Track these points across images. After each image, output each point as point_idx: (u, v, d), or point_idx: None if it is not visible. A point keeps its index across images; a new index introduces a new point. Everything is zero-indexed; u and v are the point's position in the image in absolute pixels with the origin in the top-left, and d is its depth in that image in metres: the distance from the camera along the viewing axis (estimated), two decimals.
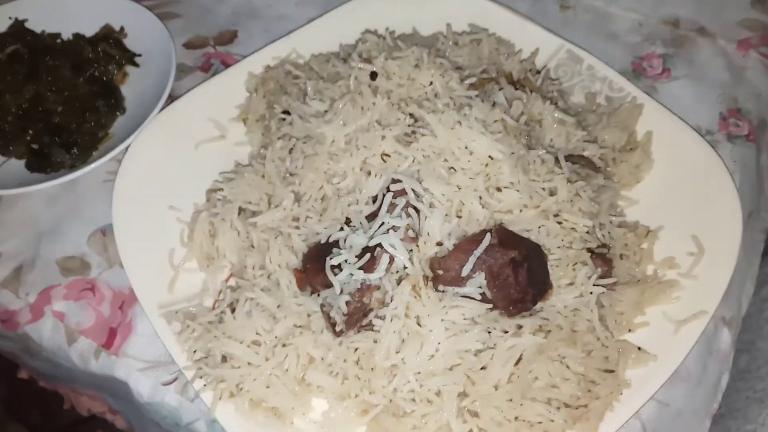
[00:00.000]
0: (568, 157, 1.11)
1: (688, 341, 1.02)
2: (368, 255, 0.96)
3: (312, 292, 1.02)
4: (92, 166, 1.21)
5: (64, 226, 1.21)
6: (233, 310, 1.01)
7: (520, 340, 0.94)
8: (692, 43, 1.47)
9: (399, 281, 0.96)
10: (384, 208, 0.99)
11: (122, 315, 1.12)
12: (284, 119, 1.16)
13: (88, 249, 1.19)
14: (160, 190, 1.17)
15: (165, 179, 1.18)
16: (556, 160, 1.08)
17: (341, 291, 0.96)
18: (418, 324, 0.94)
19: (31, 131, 1.28)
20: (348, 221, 1.03)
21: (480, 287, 0.96)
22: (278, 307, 1.00)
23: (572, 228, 1.04)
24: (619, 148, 1.22)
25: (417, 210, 0.99)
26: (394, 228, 0.97)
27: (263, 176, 1.13)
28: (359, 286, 0.95)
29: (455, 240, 0.99)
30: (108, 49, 1.37)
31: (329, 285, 0.97)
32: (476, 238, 0.97)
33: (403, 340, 0.94)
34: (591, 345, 0.98)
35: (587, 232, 1.05)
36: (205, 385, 0.98)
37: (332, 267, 0.97)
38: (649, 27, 1.50)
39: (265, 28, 1.48)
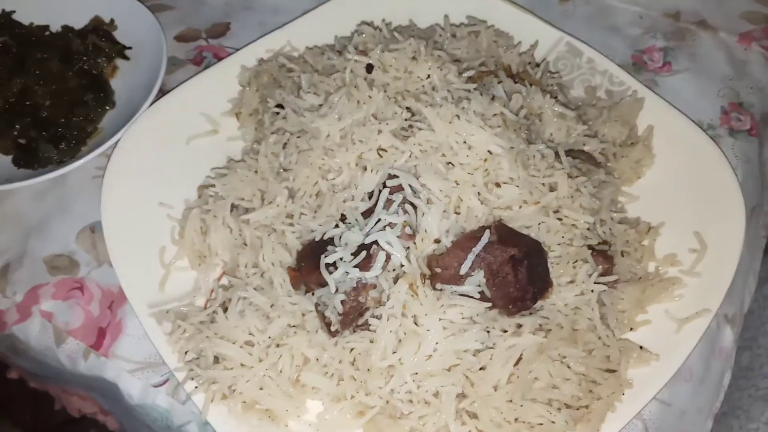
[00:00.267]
0: (569, 152, 1.09)
1: (690, 340, 1.00)
2: (364, 253, 0.93)
3: (306, 291, 1.00)
4: (81, 161, 1.18)
5: (52, 223, 1.19)
6: (225, 310, 0.99)
7: (519, 340, 0.92)
8: (693, 36, 1.45)
9: (396, 280, 0.94)
10: (380, 204, 0.97)
11: (112, 315, 1.10)
12: (278, 113, 1.13)
13: (76, 247, 1.16)
14: (150, 187, 1.14)
15: (155, 175, 1.16)
16: (557, 155, 1.05)
17: (336, 290, 0.93)
18: (416, 323, 0.92)
19: (18, 126, 1.25)
20: (343, 218, 1.01)
21: (479, 285, 0.94)
22: (272, 306, 0.98)
23: (573, 224, 1.03)
24: (620, 143, 1.20)
25: (414, 206, 0.97)
26: (391, 225, 0.94)
27: (256, 172, 1.11)
28: (355, 285, 0.93)
29: (453, 237, 0.97)
30: (97, 42, 1.34)
31: (324, 284, 0.95)
32: (475, 235, 0.95)
33: (400, 340, 0.92)
34: (592, 344, 0.96)
35: (588, 229, 1.03)
36: (196, 387, 0.96)
37: (327, 265, 0.95)
38: (649, 19, 1.48)
39: (258, 21, 1.45)
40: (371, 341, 0.93)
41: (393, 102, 1.07)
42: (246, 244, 1.07)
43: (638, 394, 0.96)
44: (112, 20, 1.39)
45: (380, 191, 0.98)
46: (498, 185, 1.00)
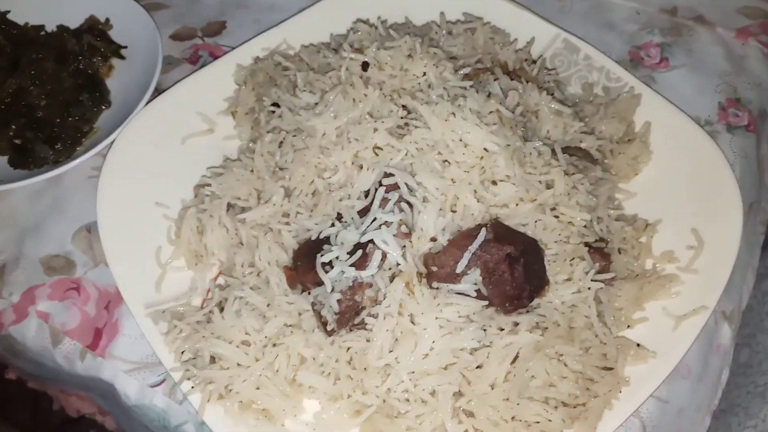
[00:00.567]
0: (565, 149, 1.09)
1: (688, 337, 1.00)
2: (360, 252, 0.93)
3: (303, 290, 0.99)
4: (77, 161, 1.18)
5: (48, 223, 1.18)
6: (222, 310, 0.99)
7: (516, 338, 0.92)
8: (690, 31, 1.45)
9: (392, 278, 0.94)
10: (376, 203, 0.97)
11: (108, 315, 1.10)
12: (273, 112, 1.13)
13: (72, 247, 1.16)
14: (146, 186, 1.14)
15: (151, 175, 1.15)
16: (553, 152, 1.05)
17: (332, 289, 0.93)
18: (412, 322, 0.92)
19: (13, 126, 1.25)
20: (339, 217, 1.01)
21: (475, 284, 0.94)
22: (268, 305, 0.98)
23: (569, 222, 1.02)
24: (617, 140, 1.19)
25: (410, 205, 0.96)
26: (387, 223, 0.94)
27: (252, 171, 1.11)
28: (351, 284, 0.93)
29: (450, 235, 0.96)
30: (93, 42, 1.34)
31: (320, 283, 0.95)
32: (471, 233, 0.95)
33: (397, 339, 0.92)
34: (589, 342, 0.96)
35: (585, 226, 1.03)
36: (193, 387, 0.95)
37: (323, 264, 0.95)
38: (646, 15, 1.47)
39: (254, 19, 1.44)
40: (368, 340, 0.93)
41: (389, 100, 1.07)
42: (242, 244, 1.06)
43: (635, 391, 0.96)
44: (107, 20, 1.38)
45: (376, 190, 0.98)
46: (494, 183, 1.00)
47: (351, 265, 0.93)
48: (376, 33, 1.21)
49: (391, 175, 0.98)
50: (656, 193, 1.15)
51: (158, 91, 1.25)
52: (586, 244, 1.02)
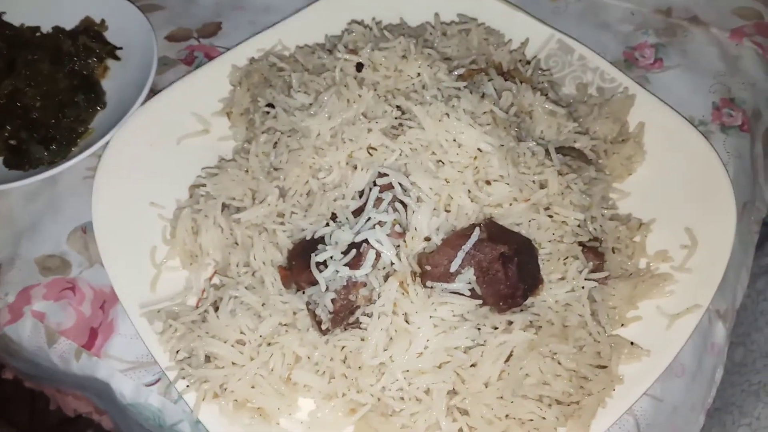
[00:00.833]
0: (559, 149, 1.09)
1: (681, 335, 1.00)
2: (354, 251, 0.93)
3: (297, 290, 1.00)
4: (72, 162, 1.18)
5: (43, 224, 1.19)
6: (217, 309, 0.99)
7: (510, 337, 0.92)
8: (685, 32, 1.45)
9: (386, 278, 0.94)
10: (370, 202, 0.97)
11: (103, 315, 1.10)
12: (268, 112, 1.13)
13: (68, 247, 1.16)
14: (141, 187, 1.14)
15: (146, 175, 1.16)
16: (547, 152, 1.05)
17: (327, 288, 0.93)
18: (406, 321, 0.92)
19: (8, 127, 1.25)
20: (334, 217, 1.01)
21: (469, 283, 0.94)
22: (263, 305, 0.98)
23: (563, 221, 1.03)
24: (611, 140, 1.20)
25: (404, 204, 0.97)
26: (381, 223, 0.94)
27: (247, 171, 1.11)
28: (345, 283, 0.93)
29: (443, 235, 0.97)
30: (88, 43, 1.34)
31: (315, 282, 0.95)
32: (465, 233, 0.95)
33: (391, 338, 0.92)
34: (583, 340, 0.96)
35: (578, 226, 1.03)
36: (188, 386, 0.95)
37: (317, 264, 0.95)
38: (641, 16, 1.48)
39: (250, 20, 1.45)
40: (362, 339, 0.93)
41: (383, 101, 1.07)
42: (237, 244, 1.06)
43: (629, 389, 0.96)
44: (102, 21, 1.39)
45: (370, 190, 0.98)
46: (488, 183, 1.00)
47: (345, 265, 0.93)
48: (371, 34, 1.21)
49: (386, 175, 0.98)
50: (650, 193, 1.16)
51: (153, 92, 1.25)
52: (580, 244, 1.02)
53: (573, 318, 0.97)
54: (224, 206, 1.08)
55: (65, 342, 1.09)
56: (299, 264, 0.99)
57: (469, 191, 0.99)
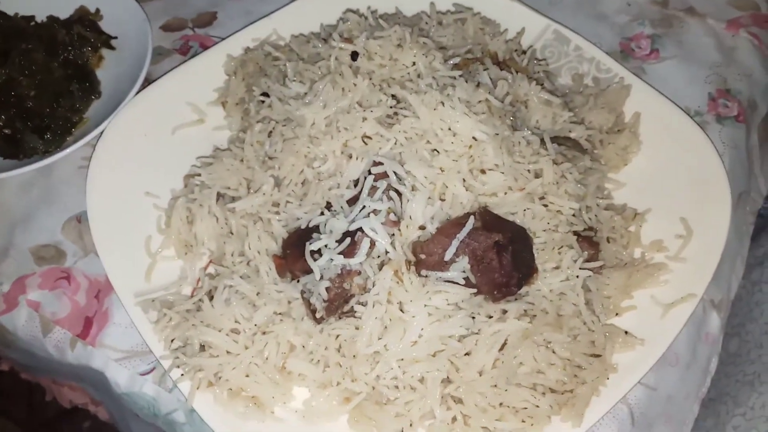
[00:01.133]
0: (554, 139, 1.09)
1: (676, 325, 1.00)
2: (349, 240, 0.93)
3: (292, 279, 1.00)
4: (66, 151, 1.18)
5: (38, 213, 1.18)
6: (211, 298, 0.99)
7: (504, 325, 0.92)
8: (681, 23, 1.45)
9: (381, 266, 0.94)
10: (365, 191, 0.97)
11: (98, 304, 1.10)
12: (263, 102, 1.13)
13: (63, 237, 1.16)
14: (136, 176, 1.14)
15: (141, 165, 1.15)
16: (542, 141, 1.05)
17: (321, 277, 0.93)
18: (401, 310, 0.92)
19: (3, 116, 1.24)
20: (329, 206, 1.01)
21: (463, 272, 0.94)
22: (258, 294, 0.98)
23: (558, 211, 1.03)
24: (607, 130, 1.20)
25: (399, 193, 0.97)
26: (375, 212, 0.94)
27: (242, 161, 1.11)
28: (340, 272, 0.93)
29: (438, 224, 0.97)
30: (83, 32, 1.33)
31: (309, 271, 0.95)
32: (459, 222, 0.95)
33: (386, 327, 0.92)
34: (577, 329, 0.96)
35: (573, 215, 1.03)
36: (182, 375, 0.95)
37: (312, 252, 0.95)
38: (637, 7, 1.47)
39: (245, 9, 1.44)
40: (357, 328, 0.93)
41: (378, 89, 1.07)
42: (232, 233, 1.06)
43: (623, 378, 0.96)
44: (97, 10, 1.38)
45: (365, 178, 0.98)
46: (483, 172, 1.00)
47: (340, 253, 0.93)
48: (366, 23, 1.21)
49: (380, 164, 0.98)
50: (646, 183, 1.16)
51: (148, 82, 1.24)
52: (575, 233, 1.02)
53: (567, 307, 0.97)
54: (219, 196, 1.08)
55: (60, 331, 1.09)
56: (294, 253, 0.98)
57: (464, 180, 0.99)
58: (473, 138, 1.00)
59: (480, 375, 0.92)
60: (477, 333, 0.93)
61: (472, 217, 0.95)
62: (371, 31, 1.15)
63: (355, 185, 1.00)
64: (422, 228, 0.96)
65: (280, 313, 0.97)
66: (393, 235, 0.95)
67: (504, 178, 1.00)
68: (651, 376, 1.01)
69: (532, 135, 1.05)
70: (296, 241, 1.00)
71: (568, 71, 1.29)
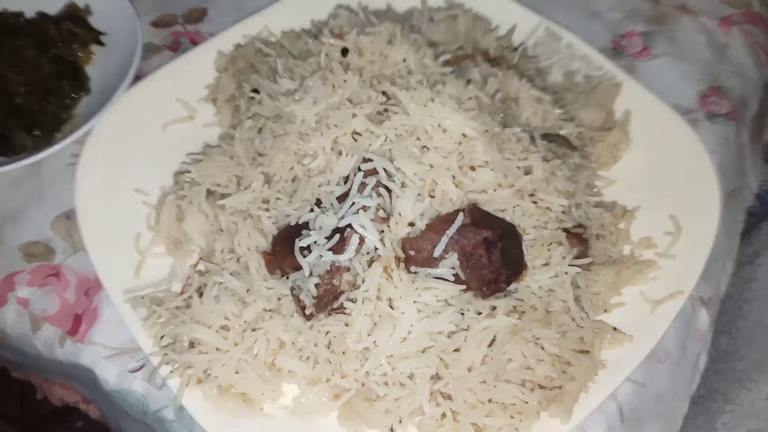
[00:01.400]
0: (545, 136, 1.09)
1: (664, 321, 1.01)
2: (338, 236, 0.93)
3: (282, 276, 0.99)
4: (56, 148, 1.17)
5: (27, 210, 1.18)
6: (201, 295, 0.98)
7: (493, 322, 0.92)
8: (674, 20, 1.45)
9: (370, 263, 0.94)
10: (354, 187, 0.97)
11: (88, 301, 1.09)
12: (253, 98, 1.13)
13: (52, 234, 1.16)
14: (125, 173, 1.13)
15: (130, 161, 1.15)
16: (532, 138, 1.05)
17: (311, 273, 0.93)
18: (390, 306, 0.92)
19: None
20: (319, 202, 1.01)
21: (453, 268, 0.94)
22: (247, 291, 0.98)
23: (548, 207, 1.03)
24: (597, 127, 1.19)
25: (388, 190, 0.96)
26: (365, 208, 0.94)
27: (232, 157, 1.10)
28: (329, 268, 0.93)
29: (428, 220, 0.97)
30: (72, 28, 1.33)
31: (299, 267, 0.95)
32: (449, 218, 0.95)
33: (375, 323, 0.92)
34: (566, 326, 0.96)
35: (563, 212, 1.03)
36: (172, 372, 0.95)
37: (301, 249, 0.95)
38: (630, 3, 1.47)
39: (236, 5, 1.43)
40: (346, 324, 0.93)
41: (368, 86, 1.06)
42: (222, 230, 1.06)
43: (612, 374, 0.96)
44: (87, 6, 1.37)
45: (355, 175, 0.98)
46: (473, 168, 1.00)
47: (329, 250, 0.93)
48: (357, 19, 1.21)
49: (370, 160, 0.98)
50: (635, 181, 1.16)
51: (138, 78, 1.24)
52: (564, 230, 1.02)
53: (556, 303, 0.97)
54: (209, 192, 1.08)
55: (49, 328, 1.08)
56: (283, 249, 0.98)
57: (454, 177, 0.98)
58: (463, 135, 1.00)
59: (469, 371, 0.91)
60: (466, 329, 0.92)
61: (461, 213, 0.95)
62: (362, 27, 1.14)
63: (345, 182, 1.00)
64: (412, 224, 0.96)
65: (269, 310, 0.97)
66: (382, 231, 0.95)
67: (494, 174, 1.00)
68: (640, 373, 1.01)
69: (522, 132, 1.05)
70: (286, 237, 1.00)
71: (560, 69, 1.29)
